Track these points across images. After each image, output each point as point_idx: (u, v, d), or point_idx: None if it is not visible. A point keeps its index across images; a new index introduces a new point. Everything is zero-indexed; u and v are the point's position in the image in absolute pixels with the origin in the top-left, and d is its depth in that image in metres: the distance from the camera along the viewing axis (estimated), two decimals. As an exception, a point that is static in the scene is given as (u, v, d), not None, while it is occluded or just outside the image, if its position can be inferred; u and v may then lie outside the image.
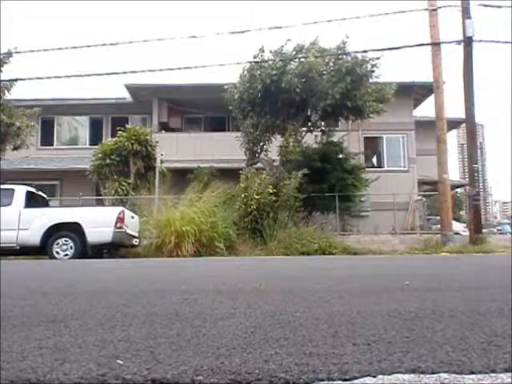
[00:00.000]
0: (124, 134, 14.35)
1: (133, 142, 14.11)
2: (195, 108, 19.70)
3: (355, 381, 0.71)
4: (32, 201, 10.07)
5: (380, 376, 0.72)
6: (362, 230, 15.00)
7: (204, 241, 10.29)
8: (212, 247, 10.40)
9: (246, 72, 13.94)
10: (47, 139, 20.93)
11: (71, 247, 9.43)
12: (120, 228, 9.51)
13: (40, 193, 10.80)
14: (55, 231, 9.48)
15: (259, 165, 14.51)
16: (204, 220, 10.44)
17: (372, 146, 19.38)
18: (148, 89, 18.45)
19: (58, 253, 9.37)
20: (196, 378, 0.71)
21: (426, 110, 24.79)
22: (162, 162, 14.44)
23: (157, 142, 15.03)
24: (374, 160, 20.01)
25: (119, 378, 0.71)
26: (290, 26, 20.54)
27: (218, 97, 14.93)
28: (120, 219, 9.56)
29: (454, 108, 15.92)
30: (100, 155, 14.22)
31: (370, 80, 13.84)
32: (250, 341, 0.95)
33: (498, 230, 29.01)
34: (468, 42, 11.40)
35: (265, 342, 0.94)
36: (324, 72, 13.52)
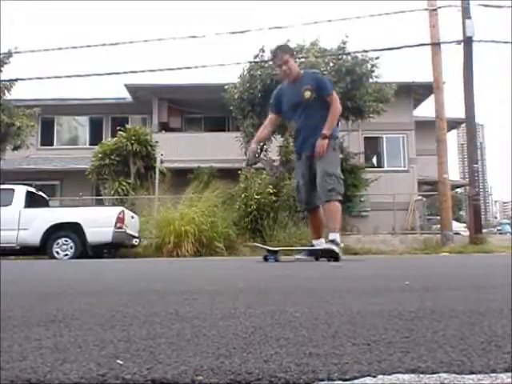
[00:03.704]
0: (124, 134, 14.37)
1: (133, 142, 14.13)
2: (195, 108, 19.71)
3: (355, 381, 0.70)
4: (32, 201, 10.08)
5: (380, 376, 0.72)
6: (361, 230, 15.00)
7: (204, 241, 10.29)
8: (212, 247, 10.39)
9: (245, 72, 13.95)
10: (47, 139, 20.94)
11: (71, 247, 9.44)
12: (120, 228, 9.52)
13: (40, 193, 10.81)
14: (55, 231, 9.49)
15: (259, 165, 14.52)
16: (204, 220, 10.44)
17: (372, 146, 19.39)
18: (148, 89, 18.47)
19: (58, 253, 9.38)
20: (196, 377, 0.71)
21: (426, 109, 24.82)
22: (162, 162, 14.44)
23: (157, 142, 15.04)
24: (374, 160, 20.02)
25: (119, 378, 0.71)
26: (290, 25, 20.55)
27: (217, 97, 14.93)
28: (120, 219, 9.57)
29: (454, 108, 15.91)
30: (100, 155, 14.24)
31: (370, 80, 13.86)
32: (250, 341, 0.95)
33: (497, 230, 29.05)
34: (468, 41, 11.41)
35: (265, 342, 0.94)
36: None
